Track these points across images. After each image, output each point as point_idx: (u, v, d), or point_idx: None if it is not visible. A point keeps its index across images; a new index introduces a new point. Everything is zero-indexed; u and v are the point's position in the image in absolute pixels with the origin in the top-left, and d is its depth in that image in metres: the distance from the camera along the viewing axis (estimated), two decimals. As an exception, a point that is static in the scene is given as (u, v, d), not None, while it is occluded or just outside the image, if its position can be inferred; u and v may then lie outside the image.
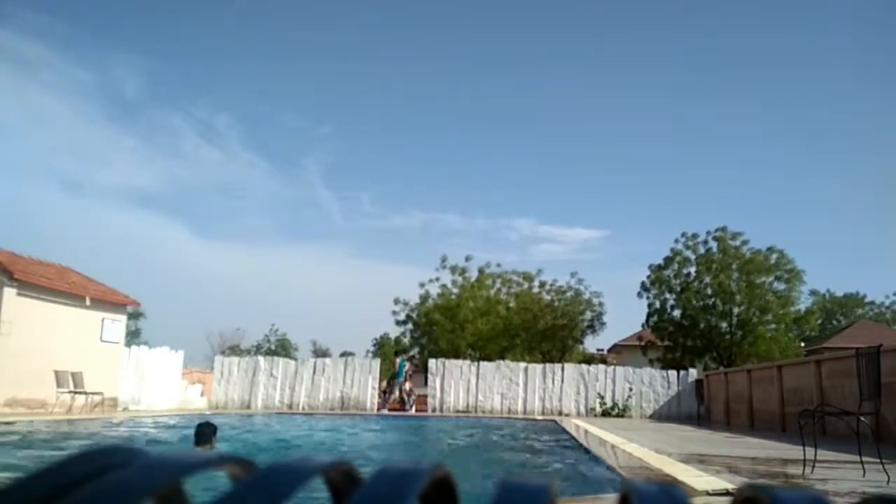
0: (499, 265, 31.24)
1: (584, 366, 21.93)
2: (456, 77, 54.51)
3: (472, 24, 51.99)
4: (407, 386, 21.32)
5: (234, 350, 44.07)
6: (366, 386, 20.69)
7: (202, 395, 20.14)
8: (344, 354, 31.17)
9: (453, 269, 30.19)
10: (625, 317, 77.71)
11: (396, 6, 50.18)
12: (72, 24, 44.54)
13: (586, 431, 11.48)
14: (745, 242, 27.44)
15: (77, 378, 14.51)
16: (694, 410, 20.20)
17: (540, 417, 18.61)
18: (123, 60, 47.96)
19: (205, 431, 6.33)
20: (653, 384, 20.86)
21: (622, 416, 19.83)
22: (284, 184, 61.79)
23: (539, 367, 21.38)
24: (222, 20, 48.68)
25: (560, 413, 19.93)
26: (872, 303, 52.57)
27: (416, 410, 20.79)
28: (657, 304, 28.86)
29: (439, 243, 59.17)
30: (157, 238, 61.26)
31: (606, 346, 40.67)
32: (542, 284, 31.13)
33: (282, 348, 51.44)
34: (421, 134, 59.30)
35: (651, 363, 26.60)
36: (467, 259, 30.57)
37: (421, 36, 53.28)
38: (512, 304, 30.35)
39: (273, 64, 52.73)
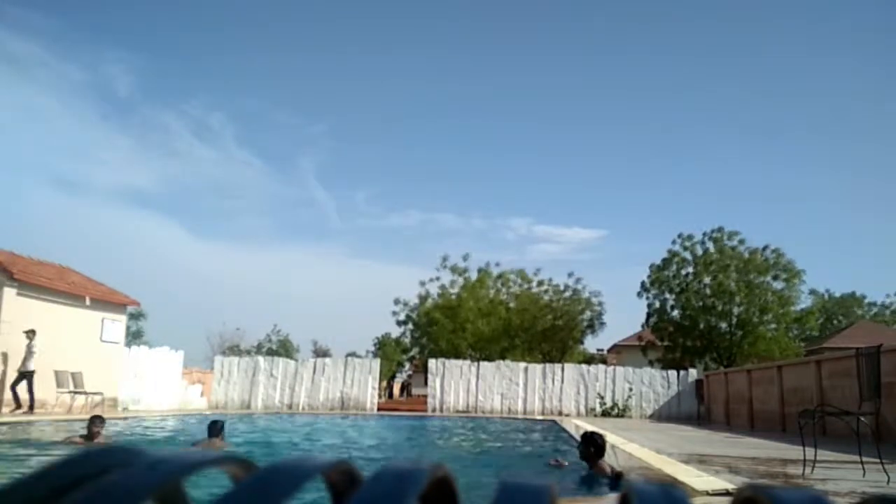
0: (498, 264, 31.27)
1: (584, 366, 21.93)
2: (452, 76, 54.54)
3: (468, 23, 52.04)
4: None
5: (234, 350, 44.01)
6: (366, 386, 20.69)
7: (202, 395, 20.14)
8: (349, 355, 31.15)
9: (454, 269, 30.18)
10: (625, 317, 77.81)
11: (392, 4, 50.22)
12: (63, 21, 44.53)
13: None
14: (742, 242, 27.46)
15: (77, 378, 14.51)
16: (694, 410, 20.21)
17: (539, 417, 18.61)
18: (115, 58, 47.94)
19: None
20: (653, 384, 20.86)
21: (622, 417, 19.83)
22: (281, 183, 61.88)
23: (539, 367, 21.38)
24: (213, 17, 48.64)
25: (560, 413, 19.92)
26: (872, 303, 52.57)
27: (416, 410, 20.80)
28: (657, 305, 28.85)
29: (437, 243, 59.33)
30: (156, 238, 61.26)
31: (606, 346, 40.67)
32: (539, 283, 31.13)
33: (283, 348, 51.40)
34: (416, 133, 59.40)
35: (651, 363, 26.58)
36: (465, 258, 30.57)
37: (416, 34, 53.32)
38: (511, 305, 30.35)
39: (266, 61, 52.66)
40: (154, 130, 54.06)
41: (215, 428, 7.96)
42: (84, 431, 8.06)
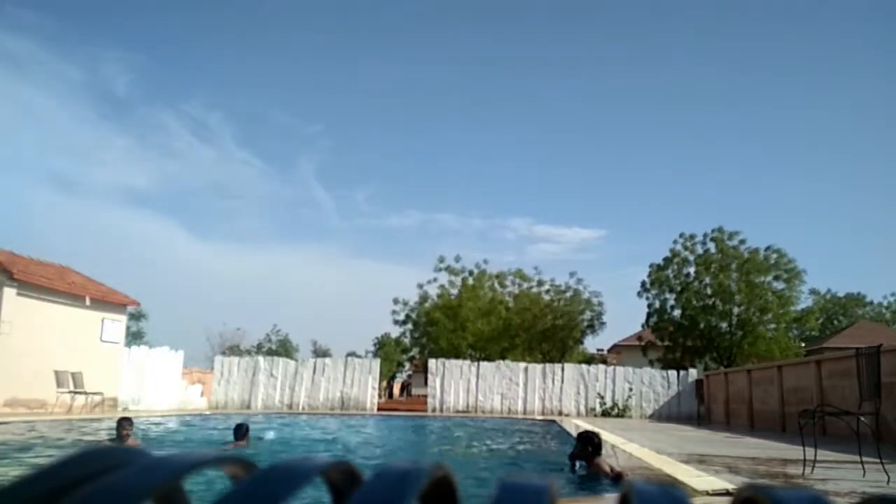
0: (486, 261, 31.22)
1: (583, 366, 21.92)
2: (451, 75, 54.52)
3: (466, 22, 52.04)
4: None
5: (234, 350, 44.02)
6: (366, 386, 20.69)
7: (202, 395, 20.14)
8: (349, 355, 31.15)
9: (450, 271, 30.18)
10: (625, 317, 77.80)
11: (391, 4, 50.22)
12: (60, 20, 44.42)
13: (586, 431, 11.45)
14: (742, 241, 27.47)
15: (77, 378, 14.51)
16: (694, 410, 20.20)
17: (539, 417, 18.61)
18: (114, 57, 47.88)
19: None
20: (653, 384, 20.86)
21: (622, 416, 19.82)
22: (280, 182, 61.84)
23: (539, 367, 21.37)
24: (212, 17, 48.53)
25: (560, 413, 19.92)
26: (872, 303, 52.58)
27: (416, 410, 20.78)
28: (657, 304, 28.86)
29: (437, 243, 59.26)
30: (156, 238, 61.29)
31: (606, 346, 40.70)
32: (539, 283, 31.13)
33: (282, 348, 51.44)
34: (415, 133, 59.30)
35: (651, 363, 26.57)
36: (457, 259, 30.54)
37: (415, 34, 53.29)
38: (511, 305, 30.34)
39: (265, 61, 52.58)
40: (153, 130, 54.03)
41: (241, 431, 8.02)
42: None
